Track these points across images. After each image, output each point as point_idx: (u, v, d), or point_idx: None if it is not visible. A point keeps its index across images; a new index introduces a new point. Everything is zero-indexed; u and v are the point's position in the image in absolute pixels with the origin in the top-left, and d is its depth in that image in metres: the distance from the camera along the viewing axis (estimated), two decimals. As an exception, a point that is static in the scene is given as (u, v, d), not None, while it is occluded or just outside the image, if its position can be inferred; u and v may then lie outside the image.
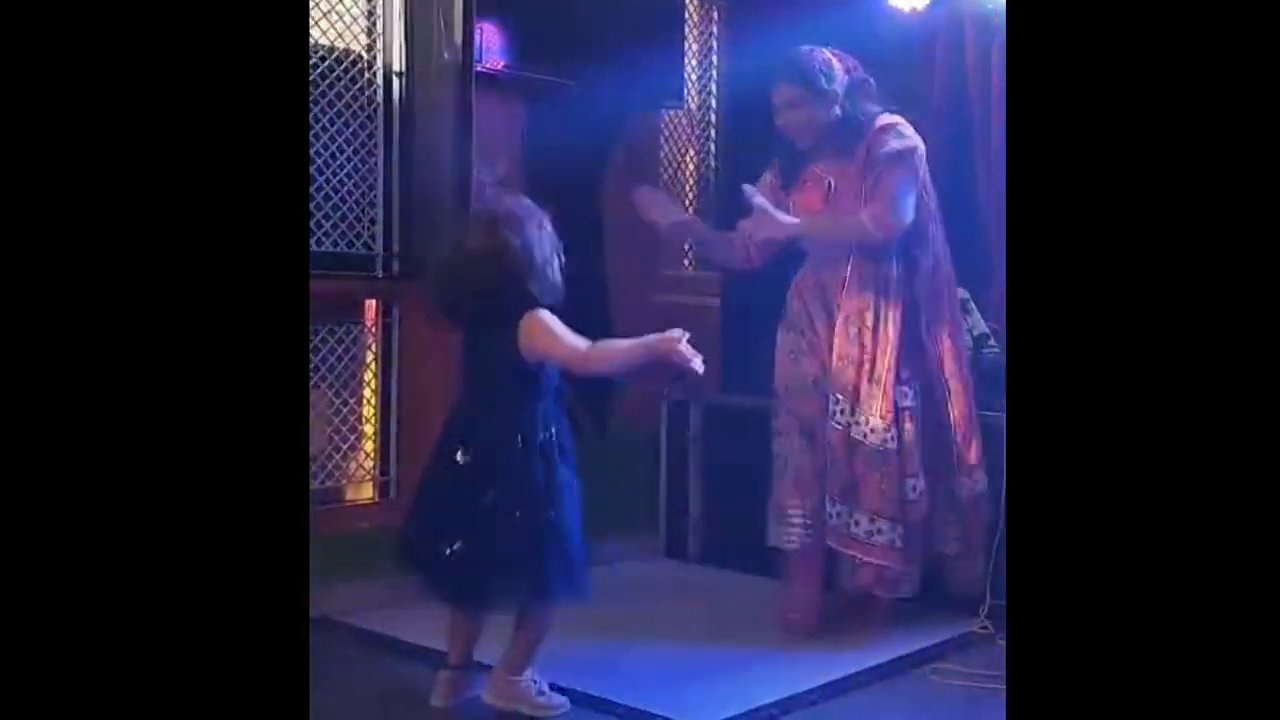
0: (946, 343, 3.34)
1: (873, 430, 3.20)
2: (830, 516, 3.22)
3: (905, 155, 3.24)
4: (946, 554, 3.36)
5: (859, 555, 3.22)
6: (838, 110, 3.26)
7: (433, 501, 2.65)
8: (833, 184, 3.30)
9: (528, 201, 2.69)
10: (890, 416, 3.20)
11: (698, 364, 2.61)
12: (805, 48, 3.31)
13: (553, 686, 2.73)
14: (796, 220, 3.24)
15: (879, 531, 3.19)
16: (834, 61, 3.28)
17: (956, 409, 3.33)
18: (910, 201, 3.23)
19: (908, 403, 3.25)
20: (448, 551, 2.55)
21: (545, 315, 2.58)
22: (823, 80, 3.24)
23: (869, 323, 3.25)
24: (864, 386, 3.23)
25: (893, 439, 3.20)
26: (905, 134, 3.27)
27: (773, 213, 3.21)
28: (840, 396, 3.24)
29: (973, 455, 3.34)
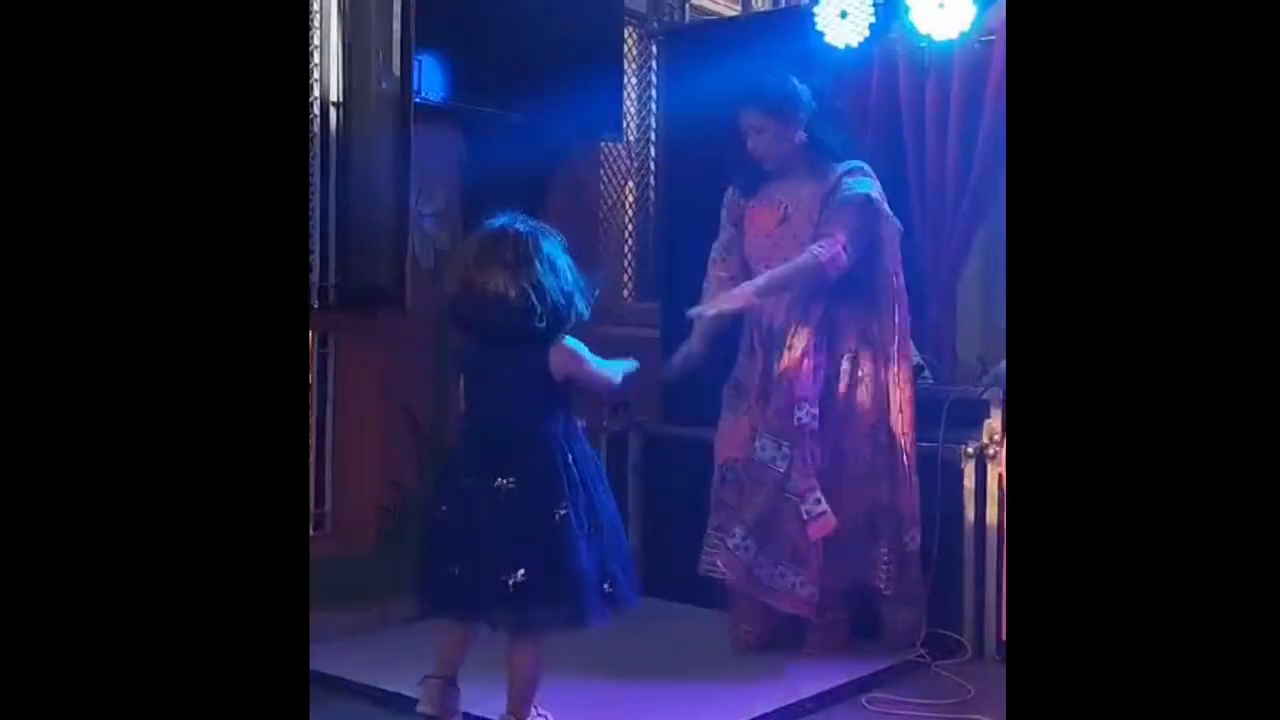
0: (896, 392, 3.35)
1: (762, 448, 3.23)
2: (740, 550, 3.21)
3: (867, 202, 3.29)
4: (880, 591, 3.37)
5: (770, 601, 3.25)
6: (803, 135, 3.32)
7: (478, 530, 2.53)
8: (789, 208, 3.35)
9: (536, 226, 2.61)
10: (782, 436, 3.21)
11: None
12: (773, 76, 3.37)
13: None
14: (749, 290, 3.24)
15: (781, 576, 3.20)
16: (800, 88, 3.34)
17: (908, 459, 3.35)
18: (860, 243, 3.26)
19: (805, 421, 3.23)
20: (510, 582, 2.46)
21: (574, 342, 2.59)
22: (787, 107, 3.31)
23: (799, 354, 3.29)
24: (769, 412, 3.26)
25: (784, 459, 3.20)
26: (869, 178, 3.33)
27: (726, 293, 3.28)
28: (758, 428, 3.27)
29: (913, 509, 3.35)
